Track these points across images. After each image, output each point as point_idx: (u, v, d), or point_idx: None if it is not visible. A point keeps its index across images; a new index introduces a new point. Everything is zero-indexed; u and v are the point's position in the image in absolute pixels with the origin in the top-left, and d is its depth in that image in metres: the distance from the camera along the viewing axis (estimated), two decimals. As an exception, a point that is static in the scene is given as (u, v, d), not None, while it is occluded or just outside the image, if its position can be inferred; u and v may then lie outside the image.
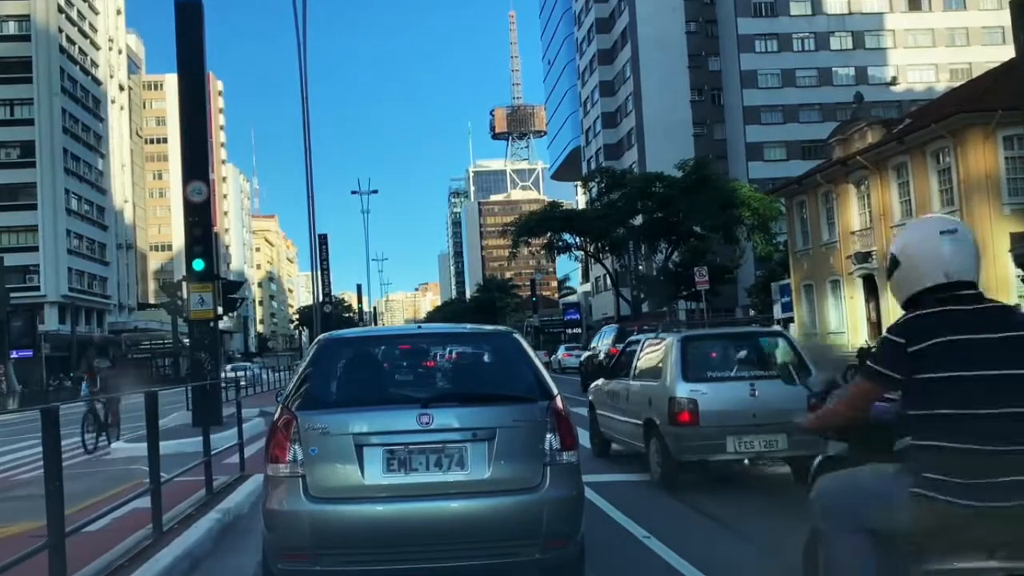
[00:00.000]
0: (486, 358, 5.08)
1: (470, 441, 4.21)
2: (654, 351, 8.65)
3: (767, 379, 7.36)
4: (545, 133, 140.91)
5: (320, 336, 5.07)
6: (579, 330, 77.20)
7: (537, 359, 4.79)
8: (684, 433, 7.47)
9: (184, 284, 15.06)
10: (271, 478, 4.28)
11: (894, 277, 2.95)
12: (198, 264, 13.85)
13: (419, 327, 6.29)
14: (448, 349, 5.20)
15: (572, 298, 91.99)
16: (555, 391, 4.49)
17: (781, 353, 8.25)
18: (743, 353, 8.10)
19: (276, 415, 4.46)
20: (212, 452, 8.99)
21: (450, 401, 4.47)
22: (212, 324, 14.23)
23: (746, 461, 7.80)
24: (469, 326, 5.74)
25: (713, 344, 8.64)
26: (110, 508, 5.97)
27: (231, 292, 14.85)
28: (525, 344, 4.88)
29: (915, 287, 2.86)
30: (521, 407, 4.37)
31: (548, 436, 4.28)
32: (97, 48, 76.16)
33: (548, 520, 4.18)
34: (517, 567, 4.32)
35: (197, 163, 14.19)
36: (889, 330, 2.82)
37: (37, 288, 62.53)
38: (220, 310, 14.54)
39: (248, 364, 50.56)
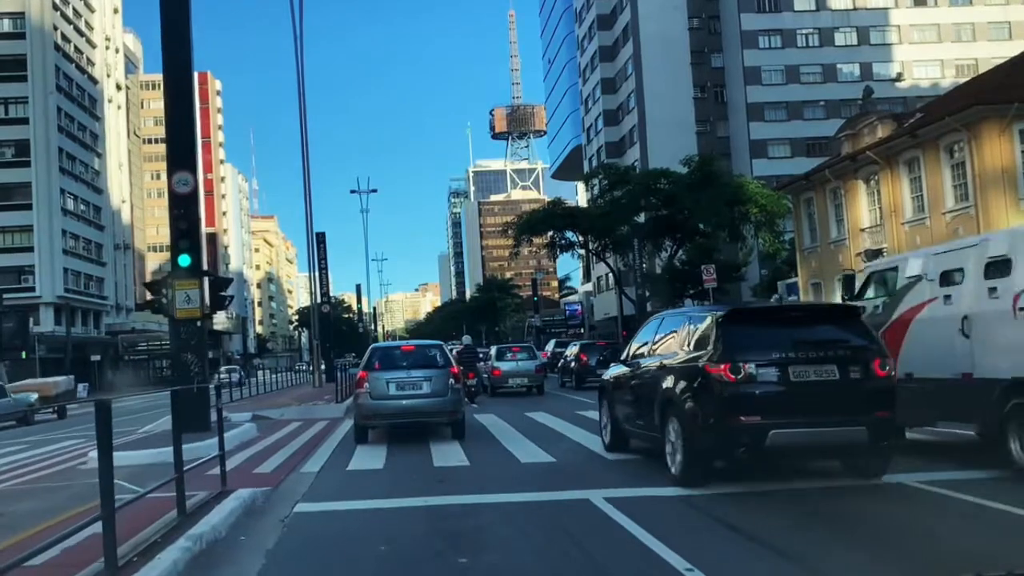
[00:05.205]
0: (430, 352, 13.60)
1: (424, 380, 12.70)
2: (492, 350, 28.10)
3: (523, 360, 25.56)
4: (545, 133, 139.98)
5: (372, 345, 15.63)
6: (581, 329, 76.63)
7: (448, 352, 13.95)
8: (494, 378, 25.24)
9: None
10: (358, 392, 12.94)
11: None
12: (184, 260, 13.08)
13: (407, 342, 17.96)
14: (418, 349, 14.08)
15: (573, 298, 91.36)
16: (454, 363, 13.41)
17: (529, 349, 27.41)
18: (517, 350, 26.86)
19: (359, 373, 13.28)
20: (198, 461, 8.22)
21: (417, 368, 12.98)
22: (199, 323, 13.46)
23: (515, 387, 24.82)
24: (427, 341, 17.60)
25: (506, 348, 27.57)
26: (63, 534, 5.10)
27: (220, 289, 14.04)
28: (446, 348, 14.27)
29: None
30: (442, 369, 12.93)
31: (450, 379, 12.78)
32: (93, 46, 75.31)
33: (450, 407, 12.72)
34: (441, 425, 13.15)
35: (183, 152, 13.39)
36: None
37: (32, 289, 61.71)
38: (208, 308, 13.74)
39: None
